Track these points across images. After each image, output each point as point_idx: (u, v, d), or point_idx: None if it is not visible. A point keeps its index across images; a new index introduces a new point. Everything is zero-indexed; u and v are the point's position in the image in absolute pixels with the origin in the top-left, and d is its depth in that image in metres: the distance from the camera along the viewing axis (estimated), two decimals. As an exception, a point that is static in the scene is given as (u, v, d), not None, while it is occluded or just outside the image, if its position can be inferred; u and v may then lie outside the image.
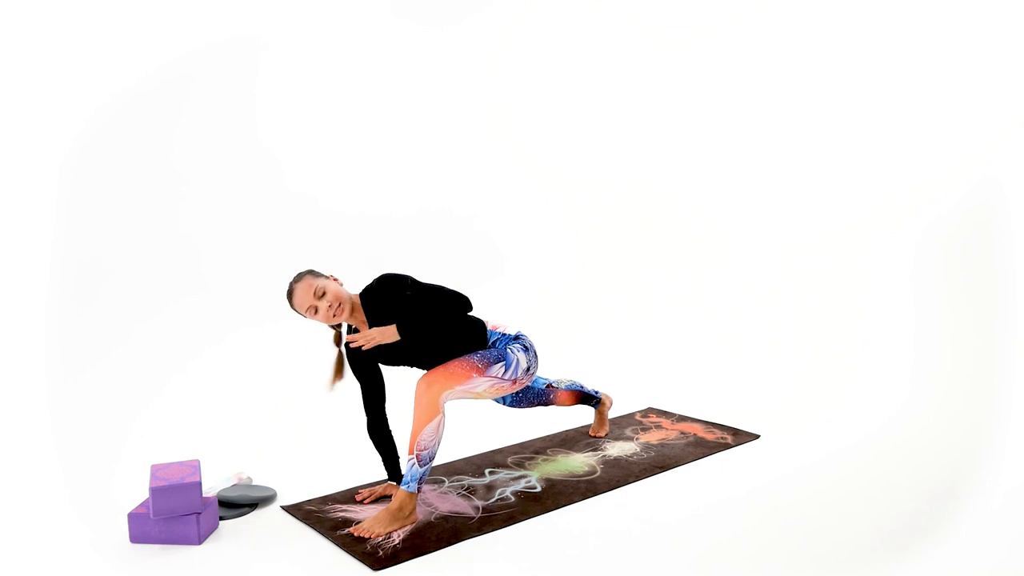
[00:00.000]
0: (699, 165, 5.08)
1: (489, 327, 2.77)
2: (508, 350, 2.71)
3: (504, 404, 3.07)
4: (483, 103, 5.45)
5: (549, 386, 3.13)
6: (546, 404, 3.16)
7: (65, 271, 4.21)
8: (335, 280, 2.64)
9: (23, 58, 4.15)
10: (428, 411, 2.50)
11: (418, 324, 2.51)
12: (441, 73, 5.35)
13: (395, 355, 2.70)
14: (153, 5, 4.48)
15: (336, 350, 2.72)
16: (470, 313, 2.70)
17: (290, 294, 2.59)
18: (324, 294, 2.54)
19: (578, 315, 5.03)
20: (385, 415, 2.79)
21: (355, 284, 2.88)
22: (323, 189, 4.98)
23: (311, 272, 2.62)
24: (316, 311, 2.55)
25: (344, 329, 2.77)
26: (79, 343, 4.08)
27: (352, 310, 2.61)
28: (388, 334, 2.50)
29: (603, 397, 3.40)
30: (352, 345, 2.56)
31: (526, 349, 2.76)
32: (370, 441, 2.99)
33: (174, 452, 3.30)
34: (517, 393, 3.05)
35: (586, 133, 5.44)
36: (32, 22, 4.17)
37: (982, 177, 3.86)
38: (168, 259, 4.48)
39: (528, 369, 2.76)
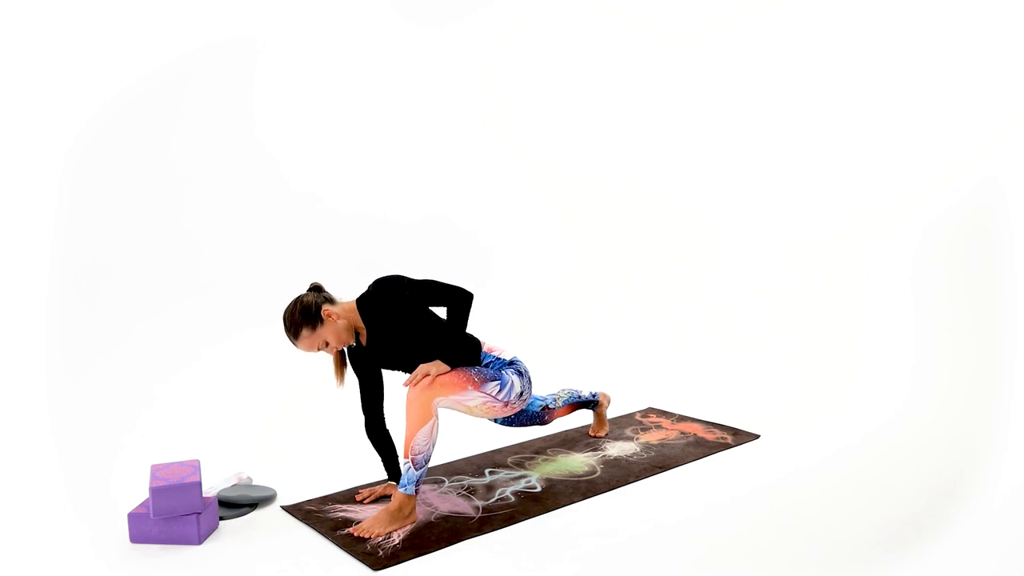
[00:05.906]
0: (699, 165, 5.09)
1: (484, 349, 2.77)
2: (503, 372, 2.71)
3: (497, 423, 3.04)
4: (483, 103, 5.45)
5: (545, 408, 3.10)
6: (542, 424, 3.15)
7: (65, 271, 4.21)
8: (328, 310, 2.57)
9: (23, 58, 4.15)
10: (421, 415, 2.51)
11: (454, 341, 2.60)
12: (440, 73, 5.35)
13: (395, 360, 2.71)
14: (152, 5, 4.48)
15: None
16: (467, 331, 2.72)
17: (292, 340, 2.60)
18: (327, 344, 2.60)
19: (577, 315, 5.03)
20: (383, 416, 2.79)
21: (355, 284, 2.88)
22: (323, 189, 4.98)
23: (307, 324, 2.54)
24: (321, 351, 2.66)
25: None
26: (79, 343, 4.08)
27: (351, 325, 2.63)
28: (441, 368, 2.57)
29: (600, 397, 3.39)
30: (410, 387, 2.55)
31: (521, 374, 2.76)
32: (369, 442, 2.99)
33: (174, 452, 3.30)
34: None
35: (585, 133, 5.44)
36: (32, 22, 4.17)
37: (982, 177, 3.86)
38: (168, 259, 4.48)
39: (521, 394, 2.75)
